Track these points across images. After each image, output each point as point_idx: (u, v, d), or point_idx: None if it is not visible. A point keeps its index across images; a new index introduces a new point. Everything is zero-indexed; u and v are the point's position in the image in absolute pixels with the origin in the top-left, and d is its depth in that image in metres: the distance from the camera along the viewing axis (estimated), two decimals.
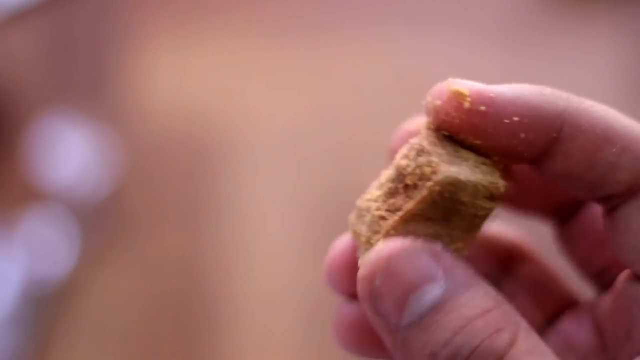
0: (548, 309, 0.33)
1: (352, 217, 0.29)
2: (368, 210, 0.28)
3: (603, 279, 0.31)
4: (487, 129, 0.27)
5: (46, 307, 0.83)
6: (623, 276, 0.29)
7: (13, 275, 0.83)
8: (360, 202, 0.29)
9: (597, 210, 0.31)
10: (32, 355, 0.82)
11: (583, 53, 0.97)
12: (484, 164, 0.28)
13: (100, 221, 0.88)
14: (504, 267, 0.34)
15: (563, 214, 0.33)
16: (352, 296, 0.31)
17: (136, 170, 0.92)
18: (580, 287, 0.33)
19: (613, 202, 0.28)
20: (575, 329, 0.31)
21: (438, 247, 0.26)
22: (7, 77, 0.98)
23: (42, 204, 0.87)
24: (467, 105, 0.27)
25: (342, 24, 1.00)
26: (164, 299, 0.85)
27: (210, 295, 0.85)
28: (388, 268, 0.26)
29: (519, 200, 0.33)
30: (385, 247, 0.26)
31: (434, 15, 1.01)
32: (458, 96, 0.27)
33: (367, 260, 0.26)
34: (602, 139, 0.27)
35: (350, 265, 0.30)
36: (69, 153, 0.91)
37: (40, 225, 0.86)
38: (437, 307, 0.25)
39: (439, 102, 0.27)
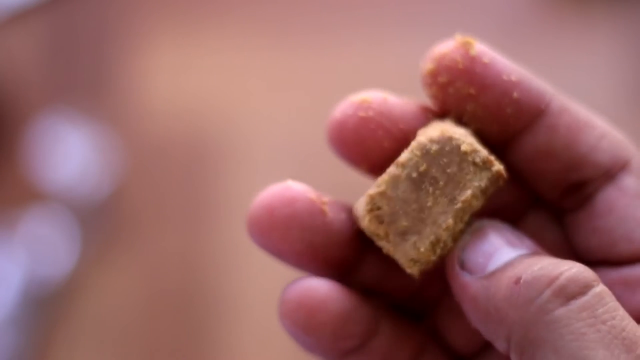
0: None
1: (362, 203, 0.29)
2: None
3: None
4: (485, 79, 0.29)
5: (46, 307, 0.83)
6: (599, 267, 0.30)
7: (13, 275, 0.83)
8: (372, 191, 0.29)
9: (545, 214, 0.32)
10: (32, 355, 0.82)
11: (583, 53, 0.97)
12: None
13: (100, 221, 0.88)
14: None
15: (509, 216, 0.33)
16: (278, 252, 0.32)
17: (136, 170, 0.92)
18: None
19: (583, 192, 0.29)
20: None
21: (521, 234, 0.28)
22: (7, 77, 0.98)
23: (42, 204, 0.87)
24: (473, 52, 0.29)
25: (342, 24, 1.00)
26: (164, 299, 0.85)
27: (210, 295, 0.85)
28: (480, 231, 0.28)
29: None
30: (482, 224, 0.28)
31: (434, 15, 1.01)
32: (466, 44, 0.29)
33: (463, 237, 0.28)
34: (585, 122, 0.29)
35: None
36: (69, 153, 0.91)
37: (40, 225, 0.86)
38: (523, 256, 0.27)
39: (445, 49, 0.29)
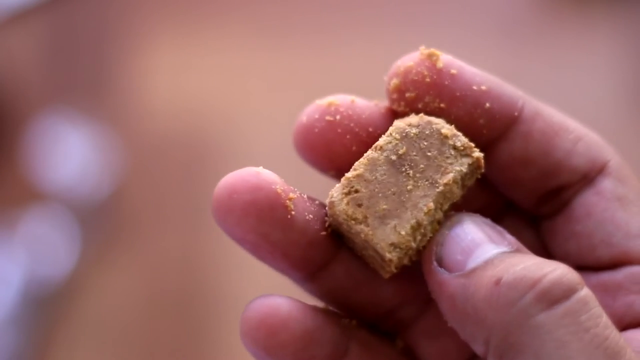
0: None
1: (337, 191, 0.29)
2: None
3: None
4: (455, 92, 0.28)
5: (46, 307, 0.83)
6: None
7: (13, 275, 0.83)
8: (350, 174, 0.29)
9: (519, 220, 0.31)
10: (32, 355, 0.82)
11: (583, 53, 0.97)
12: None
13: (100, 221, 0.88)
14: None
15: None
16: (235, 236, 0.30)
17: (136, 170, 0.92)
18: None
19: (560, 198, 0.28)
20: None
21: (502, 229, 0.27)
22: (7, 77, 0.98)
23: (42, 204, 0.87)
24: (440, 64, 0.28)
25: (342, 24, 1.00)
26: (164, 299, 0.85)
27: (209, 295, 0.85)
28: (460, 226, 0.27)
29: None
30: (460, 216, 0.27)
31: (433, 15, 1.01)
32: (432, 56, 0.28)
33: (440, 230, 0.27)
34: (559, 126, 0.28)
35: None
36: (69, 153, 0.91)
37: (40, 225, 0.86)
38: (504, 254, 0.26)
39: (410, 63, 0.28)
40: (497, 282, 0.25)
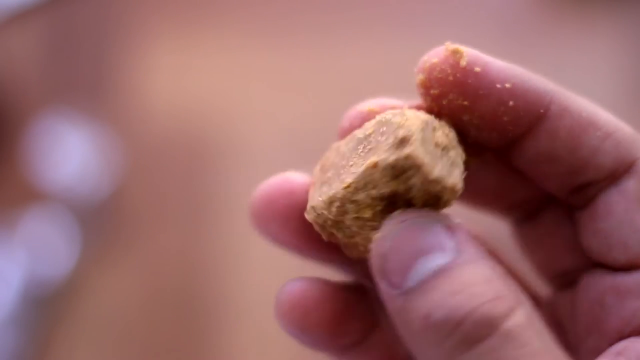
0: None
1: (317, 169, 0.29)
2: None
3: (563, 280, 0.31)
4: (478, 90, 0.27)
5: (46, 307, 0.83)
6: (591, 272, 0.29)
7: (13, 275, 0.83)
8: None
9: (561, 210, 0.31)
10: (32, 355, 0.82)
11: (583, 53, 0.97)
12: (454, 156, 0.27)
13: (100, 221, 0.88)
14: None
15: (525, 211, 0.33)
16: (279, 241, 0.31)
17: (136, 170, 0.92)
18: (539, 284, 0.33)
19: (588, 193, 0.28)
20: None
21: (455, 221, 0.26)
22: (7, 77, 0.98)
23: (42, 204, 0.87)
24: (463, 63, 0.28)
25: (342, 24, 1.00)
26: (164, 299, 0.85)
27: (209, 295, 0.85)
28: (401, 230, 0.26)
29: (479, 194, 0.33)
30: (402, 214, 0.26)
31: (433, 15, 1.01)
32: (456, 54, 0.28)
33: (385, 224, 0.26)
34: (588, 122, 0.27)
35: (280, 207, 0.30)
36: (69, 153, 0.91)
37: (40, 225, 0.86)
38: (440, 272, 0.25)
39: (435, 59, 0.28)
40: (427, 317, 0.24)
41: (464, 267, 0.25)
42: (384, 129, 0.27)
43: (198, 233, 0.88)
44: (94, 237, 0.87)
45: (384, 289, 0.26)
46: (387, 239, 0.26)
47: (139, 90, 0.97)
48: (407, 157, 0.26)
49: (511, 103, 0.27)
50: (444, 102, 0.28)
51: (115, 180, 0.91)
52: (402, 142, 0.26)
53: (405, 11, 1.01)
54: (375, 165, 0.26)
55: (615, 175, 0.28)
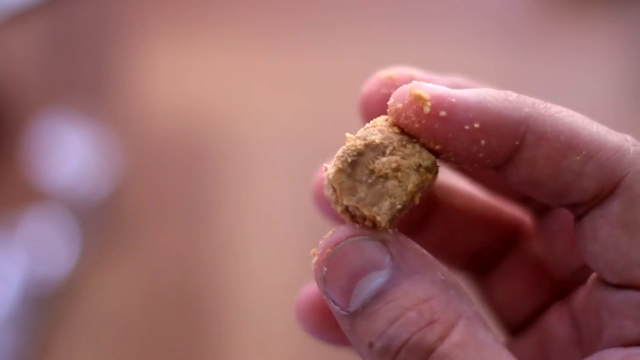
0: (539, 297, 0.33)
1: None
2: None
3: (580, 276, 0.31)
4: (446, 134, 0.26)
5: (46, 307, 0.83)
6: (593, 278, 0.29)
7: (13, 275, 0.83)
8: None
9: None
10: (32, 355, 0.82)
11: (583, 53, 0.97)
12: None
13: (100, 221, 0.88)
14: (507, 242, 0.34)
15: (539, 211, 0.33)
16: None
17: (136, 170, 0.92)
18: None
19: (579, 209, 0.28)
20: (556, 322, 0.31)
21: (388, 234, 0.26)
22: (7, 77, 0.98)
23: (42, 204, 0.87)
24: (426, 109, 0.26)
25: (342, 24, 1.00)
26: (164, 299, 0.85)
27: (209, 294, 0.85)
28: (335, 254, 0.26)
29: (496, 191, 0.33)
30: (334, 234, 0.26)
31: (433, 15, 1.01)
32: (418, 100, 0.26)
33: (319, 246, 0.26)
34: (567, 146, 0.27)
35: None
36: (69, 153, 0.91)
37: (40, 225, 0.86)
38: (380, 295, 0.25)
39: (399, 105, 0.27)
40: (371, 345, 0.25)
41: (402, 285, 0.25)
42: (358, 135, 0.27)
43: (198, 233, 0.88)
44: (94, 237, 0.87)
45: (332, 309, 0.26)
46: (323, 264, 0.26)
47: (139, 90, 0.97)
48: (328, 177, 0.26)
49: (483, 142, 0.26)
50: (421, 141, 0.27)
51: (115, 180, 0.91)
52: (338, 158, 0.26)
53: (405, 11, 1.01)
54: (325, 169, 0.27)
55: (599, 197, 0.27)
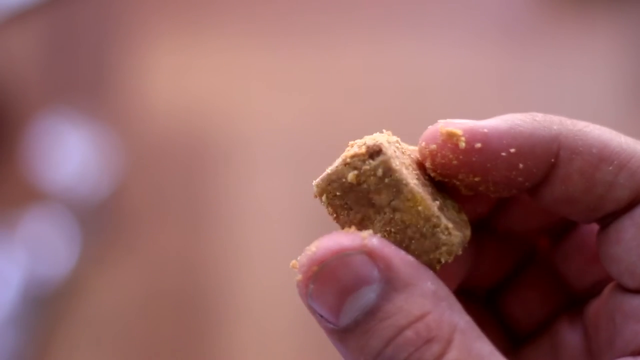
0: (551, 309, 0.33)
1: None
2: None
3: (592, 292, 0.31)
4: (485, 165, 0.27)
5: (46, 307, 0.83)
6: (609, 287, 0.29)
7: (13, 275, 0.83)
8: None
9: (588, 228, 0.31)
10: (32, 355, 0.82)
11: (583, 53, 0.97)
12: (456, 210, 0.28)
13: (100, 221, 0.88)
14: (522, 262, 0.34)
15: (555, 233, 0.33)
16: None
17: (136, 170, 0.92)
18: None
19: (608, 219, 0.28)
20: (567, 332, 0.31)
21: (374, 240, 0.25)
22: (7, 77, 0.98)
23: (42, 204, 0.87)
24: (462, 145, 0.27)
25: (341, 24, 1.00)
26: (164, 299, 0.85)
27: (209, 294, 0.85)
28: (321, 272, 0.25)
29: (514, 221, 0.33)
30: (318, 249, 0.26)
31: (433, 15, 1.01)
32: (451, 137, 0.27)
33: (302, 262, 0.26)
34: (599, 158, 0.27)
35: None
36: (69, 153, 0.91)
37: (40, 225, 0.86)
38: (372, 312, 0.25)
39: (433, 146, 0.27)
40: None
41: (394, 301, 0.25)
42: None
43: (198, 233, 0.88)
44: (94, 237, 0.87)
45: (318, 321, 0.26)
46: (309, 281, 0.25)
47: (139, 90, 0.97)
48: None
49: (521, 166, 0.27)
50: (459, 177, 0.27)
51: (115, 180, 0.91)
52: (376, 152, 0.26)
53: (405, 11, 1.01)
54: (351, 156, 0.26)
55: (632, 204, 0.27)
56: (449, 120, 0.27)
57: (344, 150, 0.27)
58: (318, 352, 0.80)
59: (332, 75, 0.96)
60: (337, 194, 0.26)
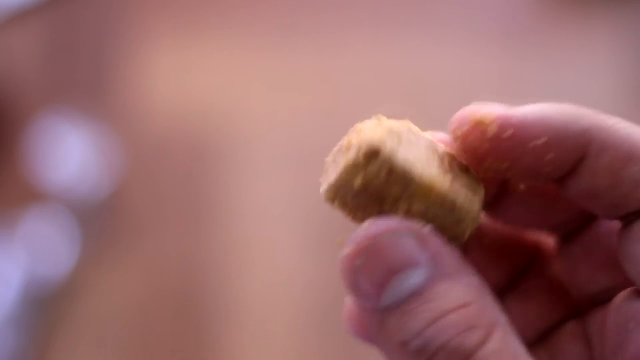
0: (553, 317, 0.33)
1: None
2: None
3: (599, 299, 0.31)
4: (514, 153, 0.27)
5: (46, 307, 0.83)
6: (623, 293, 0.29)
7: (13, 275, 0.83)
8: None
9: (604, 228, 0.31)
10: (32, 355, 0.82)
11: (583, 54, 0.97)
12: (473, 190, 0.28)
13: (100, 221, 0.89)
14: (523, 268, 0.34)
15: (570, 228, 0.33)
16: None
17: (136, 170, 0.92)
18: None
19: (631, 217, 0.28)
20: (568, 341, 0.31)
21: (426, 230, 0.26)
22: (7, 77, 0.98)
23: (42, 204, 0.87)
24: (491, 132, 0.27)
25: (342, 25, 1.00)
26: (164, 299, 0.85)
27: (209, 294, 0.85)
28: (372, 247, 0.25)
29: (527, 214, 0.33)
30: (372, 225, 0.26)
31: (434, 16, 1.01)
32: (482, 124, 0.27)
33: (353, 238, 0.26)
34: (627, 156, 0.27)
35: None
36: (69, 153, 0.91)
37: (40, 225, 0.86)
38: (416, 294, 0.25)
39: (464, 129, 0.27)
40: (404, 344, 0.25)
41: (440, 286, 0.25)
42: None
43: (198, 233, 0.88)
44: (94, 237, 0.87)
45: (358, 301, 0.26)
46: (357, 257, 0.26)
47: (139, 90, 0.97)
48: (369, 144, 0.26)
49: (550, 156, 0.27)
50: (486, 164, 0.28)
51: (115, 180, 0.91)
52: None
53: (405, 11, 1.01)
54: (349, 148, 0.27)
55: None
56: (481, 104, 0.27)
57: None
58: (318, 352, 0.80)
59: (332, 75, 0.96)
60: (348, 198, 0.27)
